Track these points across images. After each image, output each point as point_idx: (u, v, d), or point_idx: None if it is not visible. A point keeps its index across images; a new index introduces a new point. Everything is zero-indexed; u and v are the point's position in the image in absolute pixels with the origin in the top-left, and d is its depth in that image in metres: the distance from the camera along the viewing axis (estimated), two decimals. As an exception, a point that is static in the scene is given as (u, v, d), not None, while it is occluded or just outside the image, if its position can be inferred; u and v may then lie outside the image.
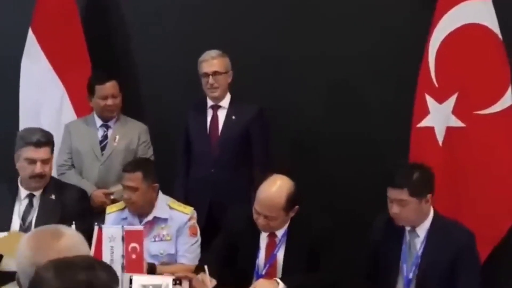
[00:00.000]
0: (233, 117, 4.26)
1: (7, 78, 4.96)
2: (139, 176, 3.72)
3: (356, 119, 4.41)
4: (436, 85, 3.96)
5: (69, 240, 2.01)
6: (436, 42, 3.95)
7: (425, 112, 3.98)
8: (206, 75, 4.20)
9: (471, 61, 3.88)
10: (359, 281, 3.50)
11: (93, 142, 4.39)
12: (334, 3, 4.42)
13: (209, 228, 3.99)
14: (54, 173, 3.97)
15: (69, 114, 4.78)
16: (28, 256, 1.97)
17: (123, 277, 3.13)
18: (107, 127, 4.43)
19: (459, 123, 3.93)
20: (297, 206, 3.34)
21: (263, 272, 3.37)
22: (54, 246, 1.97)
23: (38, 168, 3.69)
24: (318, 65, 4.45)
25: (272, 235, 3.40)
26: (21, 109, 4.83)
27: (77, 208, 3.73)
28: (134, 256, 3.25)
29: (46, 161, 3.74)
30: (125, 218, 3.80)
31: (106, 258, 3.19)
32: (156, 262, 3.67)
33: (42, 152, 3.72)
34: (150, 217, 3.77)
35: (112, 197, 4.24)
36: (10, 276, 2.16)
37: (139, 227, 3.48)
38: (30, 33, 4.79)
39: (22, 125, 4.65)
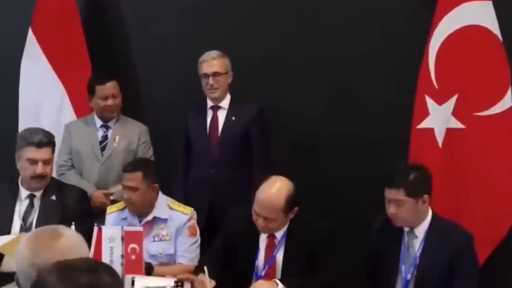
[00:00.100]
0: (233, 118, 4.26)
1: (7, 78, 4.96)
2: (139, 176, 3.72)
3: (356, 119, 4.41)
4: (436, 87, 3.96)
5: (68, 240, 2.01)
6: (436, 44, 3.95)
7: (425, 113, 3.98)
8: (206, 75, 4.20)
9: (471, 63, 3.88)
10: (359, 281, 3.50)
11: (93, 142, 4.39)
12: (334, 3, 4.42)
13: (209, 229, 3.99)
14: (54, 174, 3.96)
15: (69, 114, 4.78)
16: (27, 256, 1.97)
17: (124, 279, 3.13)
18: (107, 127, 4.43)
19: (459, 125, 3.93)
20: (296, 208, 3.34)
21: (263, 273, 3.37)
22: (53, 246, 1.97)
23: (39, 168, 3.69)
24: (318, 65, 4.45)
25: (271, 236, 3.40)
26: (21, 109, 4.83)
27: (77, 209, 3.73)
28: (133, 257, 3.26)
29: (47, 162, 3.73)
30: (125, 218, 3.81)
31: (105, 259, 3.19)
32: (155, 262, 3.68)
33: (44, 153, 3.71)
34: (149, 217, 3.77)
35: (112, 197, 4.24)
36: (9, 277, 2.15)
37: (139, 228, 3.48)
38: (30, 33, 4.79)
39: (22, 126, 4.64)
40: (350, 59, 4.37)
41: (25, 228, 3.65)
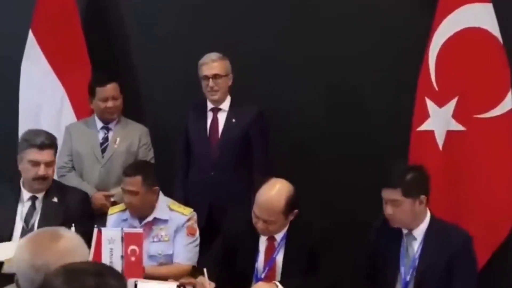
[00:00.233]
0: (233, 120, 4.26)
1: (7, 79, 4.96)
2: (139, 180, 3.71)
3: (356, 121, 4.41)
4: (436, 89, 3.96)
5: (68, 242, 2.02)
6: (436, 46, 3.94)
7: (425, 115, 3.97)
8: (207, 78, 4.20)
9: (471, 65, 3.88)
10: (359, 281, 3.50)
11: (93, 144, 4.39)
12: (334, 5, 4.42)
13: (209, 230, 3.99)
14: (54, 175, 3.96)
15: (69, 116, 4.77)
16: (27, 258, 1.97)
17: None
18: (108, 129, 4.42)
19: (459, 127, 3.92)
20: (296, 210, 3.34)
21: (262, 276, 3.37)
22: (53, 248, 1.98)
23: (41, 170, 3.68)
24: (318, 67, 4.45)
25: (271, 239, 3.39)
26: (21, 110, 4.82)
27: (79, 211, 3.73)
28: (133, 259, 3.26)
29: (49, 164, 3.73)
30: (125, 220, 3.81)
31: (105, 261, 3.20)
32: (154, 263, 3.69)
33: (46, 155, 3.71)
34: (150, 218, 3.77)
35: (112, 199, 4.24)
36: (9, 278, 2.15)
37: (139, 230, 3.48)
38: (30, 34, 4.78)
39: (22, 127, 4.64)
40: (350, 61, 4.37)
41: (27, 230, 3.64)
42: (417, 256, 3.24)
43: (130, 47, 4.96)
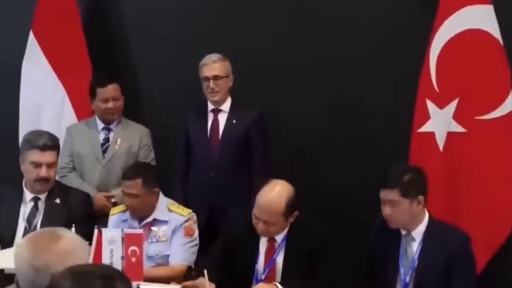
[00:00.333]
0: (234, 121, 4.26)
1: (8, 80, 4.96)
2: (139, 183, 3.71)
3: (357, 123, 4.41)
4: (437, 90, 3.96)
5: (68, 243, 2.02)
6: (437, 47, 3.94)
7: (426, 117, 3.97)
8: (207, 79, 4.20)
9: (472, 67, 3.88)
10: (359, 281, 3.50)
11: (94, 144, 4.39)
12: (335, 6, 4.42)
13: (209, 232, 3.99)
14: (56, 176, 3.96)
15: (69, 116, 4.77)
16: (27, 258, 1.97)
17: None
18: (109, 129, 4.42)
19: (460, 128, 3.92)
20: (296, 212, 3.33)
21: (263, 277, 3.36)
22: (53, 248, 1.98)
23: (43, 172, 3.68)
24: (319, 69, 4.45)
25: (271, 240, 3.39)
26: (22, 111, 4.82)
27: (82, 212, 3.73)
28: (133, 260, 3.25)
29: (51, 165, 3.73)
30: (125, 220, 3.81)
31: (105, 261, 3.19)
32: (152, 264, 3.69)
33: (48, 156, 3.71)
34: (149, 219, 3.77)
35: (113, 200, 4.24)
36: (9, 279, 2.15)
37: (139, 231, 3.48)
38: (31, 35, 4.79)
39: (23, 128, 4.65)
40: (351, 62, 4.37)
41: (29, 230, 3.64)
42: (416, 257, 3.24)
43: (130, 48, 4.96)
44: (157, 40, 4.84)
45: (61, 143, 4.27)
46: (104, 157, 4.37)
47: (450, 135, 3.95)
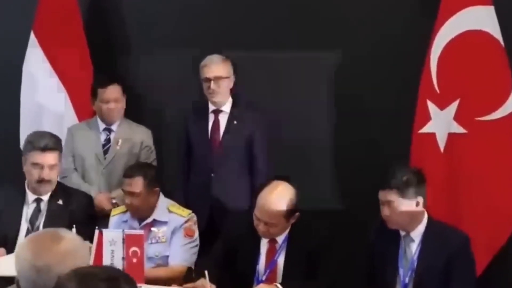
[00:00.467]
0: (235, 122, 4.25)
1: (8, 80, 4.96)
2: (140, 181, 3.71)
3: (357, 123, 4.40)
4: (438, 91, 3.96)
5: (69, 243, 2.01)
6: (438, 48, 3.95)
7: (427, 118, 3.97)
8: (208, 80, 4.20)
9: (473, 67, 3.88)
10: (359, 281, 3.50)
11: (95, 145, 4.38)
12: (335, 7, 4.42)
13: (210, 233, 3.99)
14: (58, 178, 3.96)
15: (70, 117, 4.77)
16: (28, 259, 1.97)
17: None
18: (110, 130, 4.42)
19: (461, 129, 3.92)
20: (297, 213, 3.33)
21: (263, 278, 3.37)
22: (54, 249, 1.97)
23: (44, 173, 3.68)
24: (319, 69, 4.45)
25: (272, 241, 3.39)
26: (22, 112, 4.82)
27: (84, 214, 3.74)
28: (134, 260, 3.25)
29: (52, 167, 3.73)
30: (126, 221, 3.81)
31: (106, 262, 3.19)
32: (152, 264, 3.68)
33: (49, 157, 3.71)
34: (149, 220, 3.77)
35: (114, 201, 4.24)
36: (9, 280, 2.15)
37: (140, 231, 3.48)
38: (32, 36, 4.78)
39: (23, 129, 4.64)
40: (351, 63, 4.37)
41: (32, 231, 3.64)
42: (415, 257, 3.25)
43: (131, 48, 4.95)
44: (158, 41, 4.83)
45: (62, 143, 4.29)
46: (105, 158, 4.37)
47: (451, 136, 3.96)
